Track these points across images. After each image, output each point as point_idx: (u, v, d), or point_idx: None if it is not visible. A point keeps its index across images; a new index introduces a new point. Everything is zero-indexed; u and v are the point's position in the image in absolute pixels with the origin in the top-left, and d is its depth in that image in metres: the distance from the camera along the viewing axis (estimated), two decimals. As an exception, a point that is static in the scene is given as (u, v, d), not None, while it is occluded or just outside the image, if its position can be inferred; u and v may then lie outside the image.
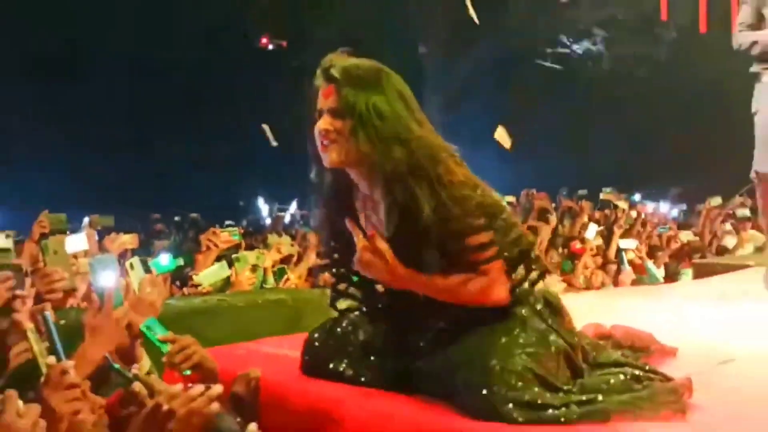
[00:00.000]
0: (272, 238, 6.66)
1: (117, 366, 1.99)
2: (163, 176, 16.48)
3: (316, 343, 2.31)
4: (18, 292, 2.32)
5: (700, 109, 15.53)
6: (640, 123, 16.68)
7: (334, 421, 2.03)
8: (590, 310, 3.08)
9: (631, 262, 6.43)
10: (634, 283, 6.07)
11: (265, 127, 6.45)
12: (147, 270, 2.84)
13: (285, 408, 2.17)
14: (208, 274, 4.09)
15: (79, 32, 16.04)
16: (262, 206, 14.32)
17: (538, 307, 2.05)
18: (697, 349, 2.56)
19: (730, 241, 7.69)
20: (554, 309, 2.08)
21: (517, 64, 15.93)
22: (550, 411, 1.80)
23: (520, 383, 1.83)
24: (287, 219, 12.44)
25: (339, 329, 2.28)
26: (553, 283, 4.89)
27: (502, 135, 5.58)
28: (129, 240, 5.05)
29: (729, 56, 3.84)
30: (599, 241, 6.41)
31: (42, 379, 1.65)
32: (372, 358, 2.19)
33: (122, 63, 15.78)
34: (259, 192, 17.16)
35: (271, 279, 4.67)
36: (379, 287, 2.20)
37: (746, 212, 8.73)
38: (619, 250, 6.50)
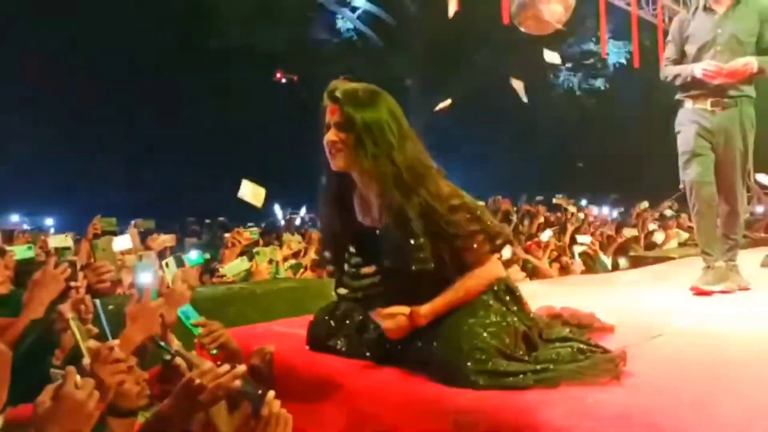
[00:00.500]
0: (286, 237, 6.64)
1: (162, 344, 1.98)
2: (197, 186, 16.56)
3: (319, 323, 2.31)
4: (72, 283, 2.33)
5: (634, 130, 15.63)
6: (586, 140, 16.79)
7: (335, 388, 2.03)
8: (545, 294, 3.08)
9: (584, 254, 6.43)
10: (584, 272, 6.07)
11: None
12: (181, 265, 2.83)
13: (294, 377, 2.16)
14: (232, 266, 4.08)
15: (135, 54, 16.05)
16: (278, 210, 14.28)
17: (500, 293, 2.04)
18: (631, 326, 2.55)
19: (658, 237, 7.71)
20: (513, 295, 2.07)
21: (481, 96, 15.98)
22: (510, 378, 1.80)
23: (484, 356, 1.83)
24: (298, 221, 12.41)
25: (338, 312, 2.28)
26: (515, 273, 4.88)
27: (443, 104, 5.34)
28: (168, 239, 5.04)
29: (657, 86, 3.84)
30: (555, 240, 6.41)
31: (84, 359, 1.63)
32: (365, 336, 2.18)
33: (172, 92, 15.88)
34: (275, 199, 17.17)
35: (282, 270, 4.66)
36: (369, 281, 2.18)
37: (673, 213, 8.81)
38: (571, 245, 6.52)
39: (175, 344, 2.03)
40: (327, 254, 2.28)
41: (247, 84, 17.12)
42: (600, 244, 6.77)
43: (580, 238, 6.57)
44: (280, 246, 5.48)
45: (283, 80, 18.17)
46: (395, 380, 1.95)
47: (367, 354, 2.12)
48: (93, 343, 1.74)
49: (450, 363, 1.84)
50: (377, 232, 2.08)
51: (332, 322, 2.27)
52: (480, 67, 15.95)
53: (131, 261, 3.40)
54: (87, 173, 15.95)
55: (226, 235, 5.10)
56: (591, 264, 6.23)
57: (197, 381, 1.65)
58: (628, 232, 7.39)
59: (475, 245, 1.99)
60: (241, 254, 4.51)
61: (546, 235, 6.17)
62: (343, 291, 2.29)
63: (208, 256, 4.35)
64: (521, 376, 1.80)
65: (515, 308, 2.04)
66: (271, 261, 4.52)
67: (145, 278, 2.24)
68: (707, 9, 3.58)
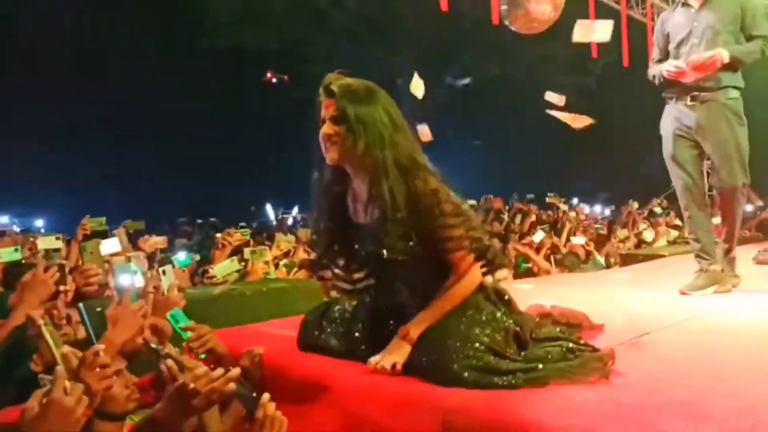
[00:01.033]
0: (278, 236, 6.62)
1: (154, 345, 1.96)
2: (190, 188, 16.53)
3: (309, 324, 2.30)
4: (62, 287, 2.31)
5: (624, 129, 15.66)
6: (578, 140, 16.80)
7: (325, 388, 2.01)
8: (535, 293, 3.08)
9: (573, 255, 6.43)
10: (582, 269, 6.09)
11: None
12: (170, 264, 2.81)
13: (284, 378, 2.14)
14: (222, 267, 4.05)
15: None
16: (270, 211, 14.27)
17: (490, 294, 2.05)
18: (621, 325, 2.55)
19: (648, 235, 7.74)
20: (502, 296, 2.08)
21: (472, 95, 16.02)
22: (499, 377, 1.79)
23: (474, 353, 1.83)
24: (290, 221, 12.39)
25: (328, 312, 2.27)
26: (501, 272, 4.86)
27: (416, 84, 5.12)
28: (160, 241, 5.00)
29: (645, 85, 3.83)
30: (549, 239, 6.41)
31: (58, 366, 1.60)
32: (356, 335, 2.17)
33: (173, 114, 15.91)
34: (267, 200, 17.18)
35: (273, 270, 4.64)
36: (360, 278, 2.18)
37: (662, 210, 8.87)
38: (565, 244, 6.54)
39: (172, 351, 2.00)
40: (317, 251, 2.26)
41: (238, 84, 17.09)
42: (594, 244, 6.80)
43: (574, 239, 6.59)
44: (271, 246, 5.45)
45: (274, 80, 18.14)
46: (386, 380, 1.94)
47: (362, 347, 2.11)
48: (67, 349, 1.71)
49: (441, 363, 1.84)
50: (368, 226, 2.07)
51: (323, 323, 2.26)
52: (471, 65, 15.98)
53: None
54: (77, 174, 15.90)
55: (218, 235, 5.07)
56: (577, 263, 6.24)
57: (191, 385, 1.64)
58: (621, 234, 7.43)
59: (456, 240, 1.98)
60: (232, 255, 4.48)
61: (538, 237, 6.18)
62: (333, 292, 2.28)
63: (197, 257, 4.32)
64: (511, 375, 1.80)
65: (505, 308, 2.05)
66: (267, 261, 4.50)
67: (125, 280, 2.22)
68: (685, 4, 3.58)
